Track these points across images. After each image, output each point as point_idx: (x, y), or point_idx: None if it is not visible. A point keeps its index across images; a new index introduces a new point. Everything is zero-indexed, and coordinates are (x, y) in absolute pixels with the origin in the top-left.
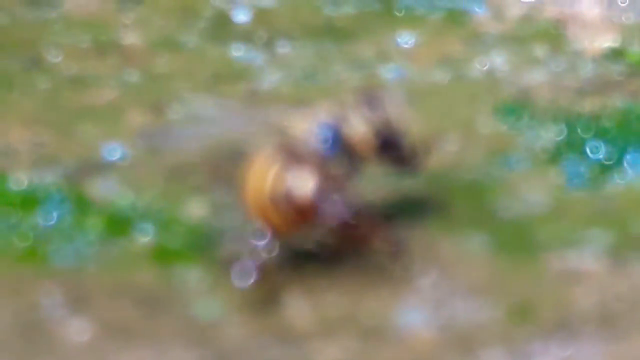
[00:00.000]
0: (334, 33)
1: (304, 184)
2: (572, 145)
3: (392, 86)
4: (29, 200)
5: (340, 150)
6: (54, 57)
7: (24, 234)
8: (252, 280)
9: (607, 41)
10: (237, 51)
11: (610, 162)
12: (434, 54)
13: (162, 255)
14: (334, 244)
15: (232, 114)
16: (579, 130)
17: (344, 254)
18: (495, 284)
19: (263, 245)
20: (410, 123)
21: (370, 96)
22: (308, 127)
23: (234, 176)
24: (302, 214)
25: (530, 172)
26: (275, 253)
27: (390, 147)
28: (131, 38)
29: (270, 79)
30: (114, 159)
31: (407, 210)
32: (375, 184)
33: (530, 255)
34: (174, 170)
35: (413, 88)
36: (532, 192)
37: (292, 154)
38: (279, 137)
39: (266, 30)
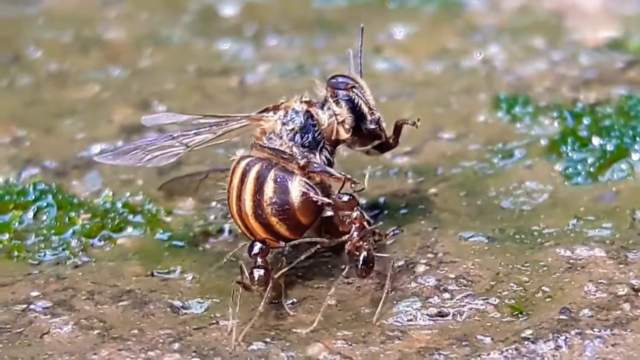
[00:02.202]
0: (325, 26)
1: (287, 187)
2: (573, 135)
3: (385, 78)
4: (10, 197)
5: (314, 138)
6: (34, 53)
7: (5, 231)
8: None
9: (607, 31)
10: (224, 45)
11: (612, 152)
12: (430, 46)
13: (148, 252)
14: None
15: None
16: (580, 120)
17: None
18: (496, 276)
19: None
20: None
21: (340, 80)
22: (279, 119)
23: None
24: (292, 216)
25: (530, 162)
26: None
27: (364, 128)
28: (114, 33)
29: (259, 72)
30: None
31: (406, 202)
32: (373, 176)
33: (531, 246)
34: (160, 166)
35: (408, 80)
36: (533, 183)
37: (272, 155)
38: (254, 137)
39: (254, 23)
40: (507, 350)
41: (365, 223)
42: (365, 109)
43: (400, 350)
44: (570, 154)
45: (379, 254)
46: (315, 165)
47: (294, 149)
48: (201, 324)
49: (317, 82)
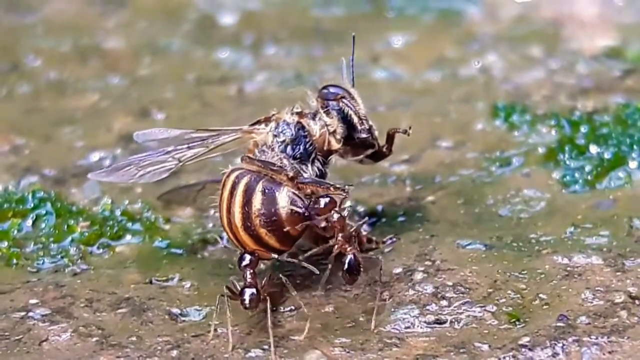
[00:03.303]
0: (323, 35)
1: (275, 198)
2: (570, 143)
3: (383, 87)
4: (9, 205)
5: (305, 149)
6: (33, 62)
7: (4, 238)
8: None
9: (605, 40)
10: (223, 54)
11: (609, 160)
12: (428, 55)
13: (147, 260)
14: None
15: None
16: (577, 128)
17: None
18: (493, 283)
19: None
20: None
21: (329, 91)
22: (270, 131)
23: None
24: (281, 227)
25: (528, 170)
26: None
27: (356, 138)
28: (113, 42)
29: (257, 81)
30: (96, 163)
31: (404, 210)
32: (371, 184)
33: (529, 254)
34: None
35: (407, 89)
36: (530, 191)
37: (261, 167)
38: (246, 149)
39: (253, 32)
40: (504, 357)
41: (347, 225)
42: (355, 119)
43: (397, 358)
44: (567, 162)
45: (368, 255)
46: (304, 176)
47: (285, 161)
48: (199, 331)
49: (310, 92)
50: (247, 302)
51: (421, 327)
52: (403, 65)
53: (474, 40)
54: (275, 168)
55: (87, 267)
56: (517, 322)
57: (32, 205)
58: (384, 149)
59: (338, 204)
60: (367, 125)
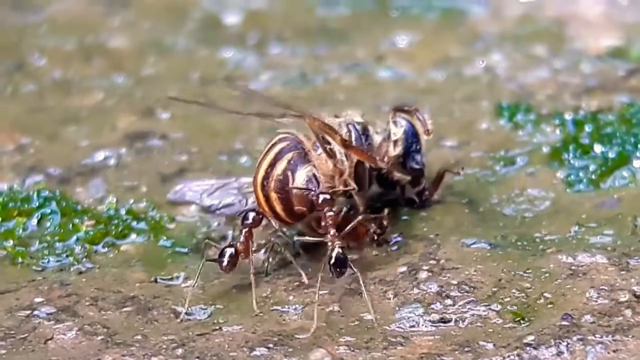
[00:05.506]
0: (327, 34)
1: (295, 171)
2: (574, 143)
3: (387, 86)
4: (14, 204)
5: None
6: (38, 61)
7: (9, 237)
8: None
9: (609, 39)
10: (228, 53)
11: (613, 159)
12: (432, 54)
13: (152, 258)
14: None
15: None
16: (581, 127)
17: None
18: (498, 282)
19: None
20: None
21: (403, 110)
22: (339, 123)
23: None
24: (289, 199)
25: (532, 170)
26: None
27: (408, 166)
28: (118, 41)
29: (262, 80)
30: (101, 162)
31: (409, 209)
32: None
33: (533, 253)
34: (163, 174)
35: (411, 88)
36: (535, 190)
37: (306, 138)
38: (312, 126)
39: (257, 31)
40: (509, 356)
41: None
42: (414, 147)
43: (402, 357)
44: (572, 161)
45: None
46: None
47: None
48: (204, 330)
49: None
50: (225, 258)
51: (426, 326)
52: (407, 64)
53: (479, 40)
54: (331, 129)
55: (92, 265)
56: (521, 321)
57: (37, 204)
58: (428, 189)
59: (333, 205)
60: (421, 159)
